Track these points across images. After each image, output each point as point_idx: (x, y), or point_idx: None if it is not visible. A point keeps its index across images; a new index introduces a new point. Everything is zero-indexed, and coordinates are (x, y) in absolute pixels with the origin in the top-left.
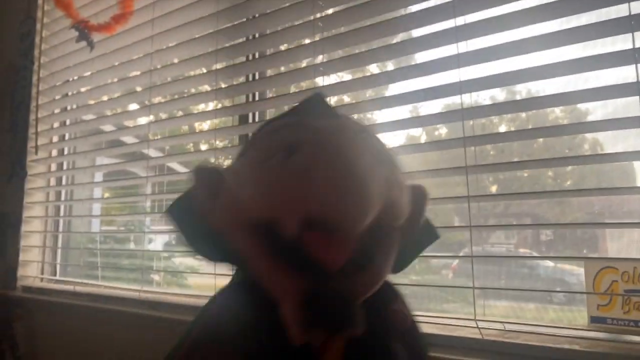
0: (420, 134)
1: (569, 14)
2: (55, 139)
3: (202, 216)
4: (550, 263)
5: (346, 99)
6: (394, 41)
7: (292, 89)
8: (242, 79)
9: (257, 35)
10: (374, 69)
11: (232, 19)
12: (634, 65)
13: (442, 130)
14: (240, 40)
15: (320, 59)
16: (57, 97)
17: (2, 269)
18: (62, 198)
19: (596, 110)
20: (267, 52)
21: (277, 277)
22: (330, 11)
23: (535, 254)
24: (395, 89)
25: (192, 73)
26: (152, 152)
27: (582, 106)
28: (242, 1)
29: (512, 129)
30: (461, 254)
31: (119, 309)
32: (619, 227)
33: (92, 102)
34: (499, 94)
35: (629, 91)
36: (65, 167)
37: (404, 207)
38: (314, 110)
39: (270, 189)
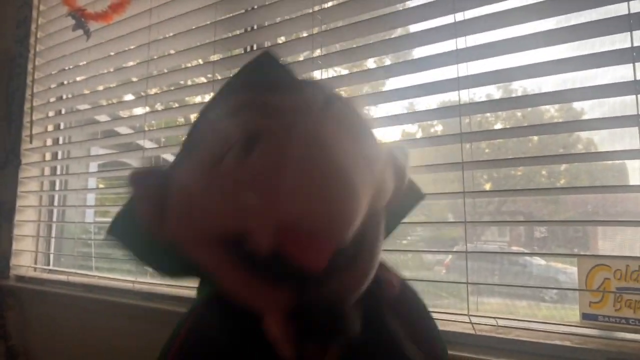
0: (416, 131)
1: (568, 12)
2: (50, 127)
3: (148, 231)
4: (542, 261)
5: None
6: (393, 36)
7: None
8: None
9: (255, 27)
10: (371, 63)
11: (230, 10)
12: (631, 64)
13: (438, 128)
14: (238, 31)
15: (318, 52)
16: (53, 85)
17: None
18: (57, 187)
19: (592, 110)
20: (265, 44)
21: (254, 293)
22: (329, 4)
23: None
24: (392, 84)
25: (189, 64)
26: (148, 144)
27: (577, 106)
28: None
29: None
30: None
31: (112, 299)
32: (612, 224)
33: (87, 91)
34: (495, 93)
35: (626, 90)
36: (60, 156)
37: (389, 185)
38: (267, 78)
39: (231, 197)
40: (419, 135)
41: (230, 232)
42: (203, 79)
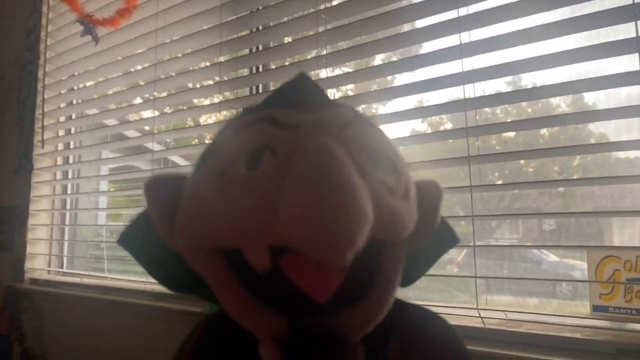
0: (425, 129)
1: (572, 3)
2: (61, 132)
3: (161, 241)
4: (554, 258)
5: (350, 92)
6: (397, 32)
7: None
8: (246, 72)
9: (260, 28)
10: (377, 61)
11: (236, 12)
12: (637, 54)
13: (447, 126)
14: (244, 32)
15: (323, 51)
16: (63, 91)
17: (9, 262)
18: (68, 191)
19: (601, 105)
20: (271, 44)
21: (249, 315)
22: (334, 3)
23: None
24: (399, 80)
25: (196, 67)
26: (157, 146)
27: (588, 101)
28: None
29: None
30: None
31: (125, 300)
32: (623, 215)
33: (96, 96)
34: (503, 88)
35: (633, 80)
36: (71, 160)
37: (407, 217)
38: (293, 96)
39: (230, 210)
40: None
41: (228, 245)
42: (210, 81)
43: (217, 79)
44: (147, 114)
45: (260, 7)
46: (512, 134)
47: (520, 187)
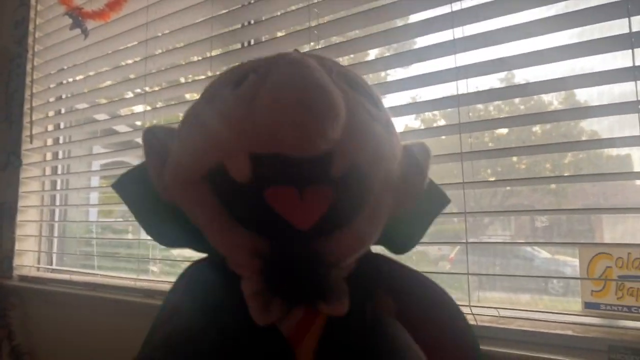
0: (418, 126)
1: None
2: (50, 127)
3: (154, 193)
4: (546, 254)
5: None
6: (390, 27)
7: None
8: None
9: (252, 22)
10: (370, 56)
11: (227, 6)
12: (630, 51)
13: (441, 122)
14: (236, 26)
15: (315, 45)
16: (52, 85)
17: None
18: (58, 187)
19: (594, 102)
20: (263, 38)
21: (232, 239)
22: None
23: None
24: (392, 76)
25: (187, 60)
26: None
27: (580, 98)
28: None
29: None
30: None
31: (115, 297)
32: (615, 212)
33: (86, 90)
34: (496, 85)
35: (626, 76)
36: (60, 156)
37: (387, 144)
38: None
39: (212, 124)
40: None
41: (211, 162)
42: (202, 76)
43: (208, 73)
44: (138, 108)
45: (252, 1)
46: (504, 131)
47: (513, 184)
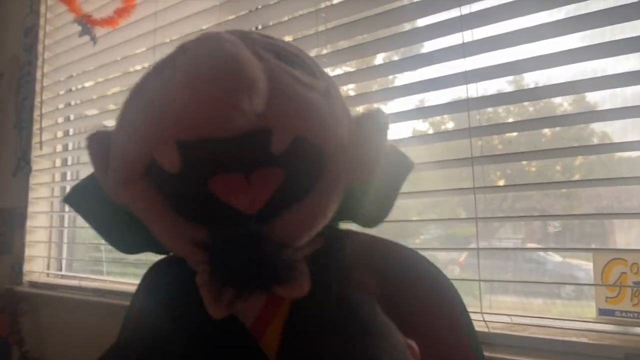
0: (426, 129)
1: (577, 1)
2: (59, 134)
3: (109, 200)
4: (558, 258)
5: (351, 92)
6: (399, 31)
7: None
8: None
9: (260, 27)
10: (378, 60)
11: (235, 11)
12: None
13: (449, 125)
14: None
15: (324, 50)
16: (61, 92)
17: (8, 264)
18: None
19: (606, 104)
20: None
21: (179, 234)
22: (334, 1)
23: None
24: (400, 80)
25: None
26: None
27: (591, 100)
28: None
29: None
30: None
31: (124, 303)
32: (629, 217)
33: (95, 96)
34: (504, 87)
35: (638, 79)
36: (69, 162)
37: (327, 113)
38: None
39: (137, 120)
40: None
41: (144, 158)
42: None
43: None
44: None
45: (260, 6)
46: (514, 133)
47: (525, 188)
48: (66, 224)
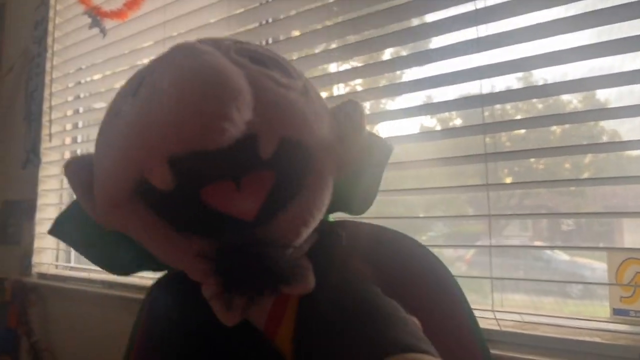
0: (434, 125)
1: None
2: (68, 126)
3: (94, 224)
4: (566, 256)
5: (358, 87)
6: (410, 25)
7: (306, 75)
8: None
9: (270, 21)
10: (387, 55)
11: (244, 4)
12: None
13: (457, 121)
14: (253, 25)
15: (333, 44)
16: (70, 84)
17: (17, 256)
18: None
19: (617, 102)
20: (280, 37)
21: (179, 249)
22: None
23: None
24: (410, 75)
25: None
26: None
27: (601, 97)
28: None
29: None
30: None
31: (132, 295)
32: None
33: (104, 89)
34: (513, 84)
35: None
36: (78, 154)
37: (308, 112)
38: None
39: (121, 142)
40: (437, 129)
41: (133, 178)
42: None
43: None
44: None
45: (270, 0)
46: (522, 130)
47: (537, 186)
48: None
